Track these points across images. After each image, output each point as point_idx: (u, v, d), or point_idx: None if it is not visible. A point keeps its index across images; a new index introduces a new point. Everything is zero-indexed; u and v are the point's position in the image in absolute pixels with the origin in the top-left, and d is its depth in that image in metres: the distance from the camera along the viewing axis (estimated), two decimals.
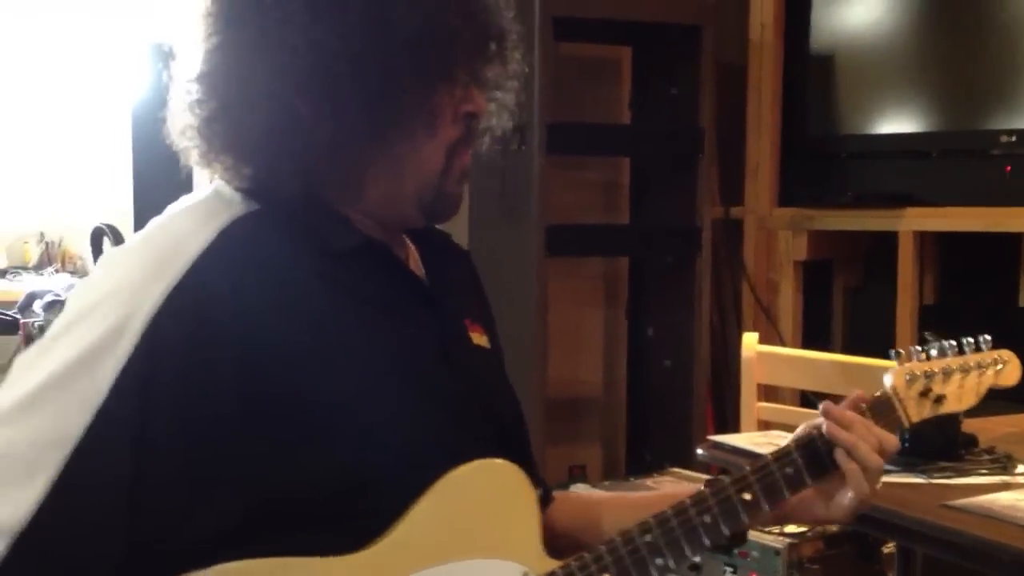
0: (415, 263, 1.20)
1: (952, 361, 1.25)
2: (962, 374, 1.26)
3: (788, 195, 3.39)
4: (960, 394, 1.26)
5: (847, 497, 1.17)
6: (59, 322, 1.04)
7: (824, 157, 3.31)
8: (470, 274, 1.30)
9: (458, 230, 3.08)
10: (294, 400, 1.02)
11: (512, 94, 1.19)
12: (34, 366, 1.00)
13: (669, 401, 3.31)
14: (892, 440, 1.17)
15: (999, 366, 1.28)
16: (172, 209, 1.11)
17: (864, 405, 1.20)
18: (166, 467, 0.99)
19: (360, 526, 1.04)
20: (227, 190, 1.11)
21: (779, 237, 3.37)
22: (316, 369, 1.03)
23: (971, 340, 1.27)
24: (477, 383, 1.17)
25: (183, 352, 1.00)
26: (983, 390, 1.27)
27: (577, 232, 3.18)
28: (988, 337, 1.28)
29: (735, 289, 3.47)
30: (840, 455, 1.16)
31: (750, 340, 2.40)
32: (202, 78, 1.07)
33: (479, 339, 1.22)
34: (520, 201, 2.97)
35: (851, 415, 1.18)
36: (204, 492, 1.00)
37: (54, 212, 3.55)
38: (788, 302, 3.36)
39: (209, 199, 1.11)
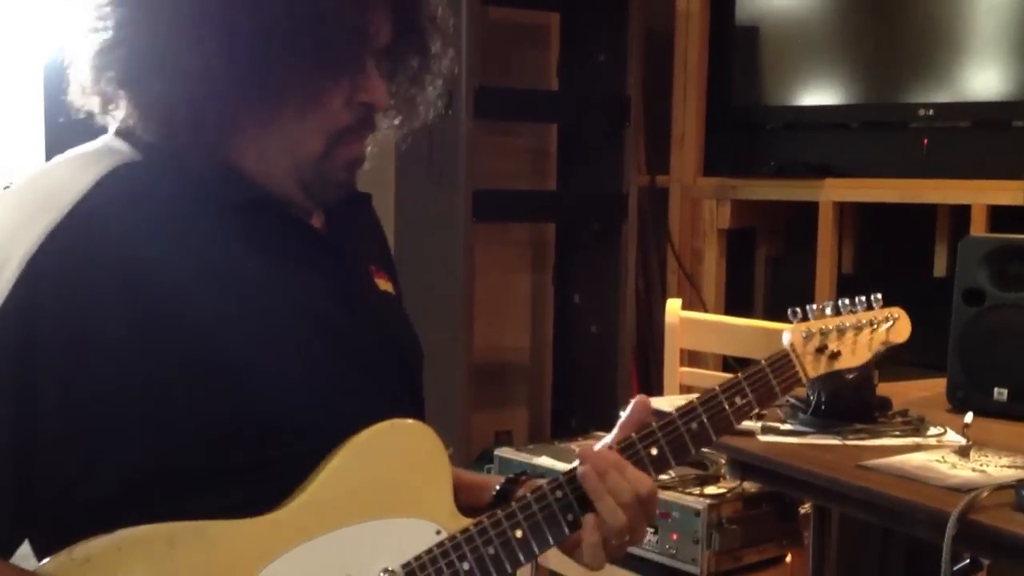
0: (317, 214, 1.18)
1: (846, 319, 1.30)
2: (855, 331, 1.30)
3: (712, 164, 3.42)
4: (854, 350, 1.30)
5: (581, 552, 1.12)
6: None
7: (748, 128, 3.35)
8: (373, 221, 1.29)
9: (385, 194, 3.06)
10: (189, 345, 1.00)
11: (435, 88, 1.18)
12: None
13: (595, 366, 3.34)
14: (646, 484, 1.11)
15: (889, 323, 1.32)
16: (57, 158, 1.08)
17: (635, 435, 1.14)
18: (57, 413, 0.97)
19: (270, 476, 1.03)
20: (117, 142, 1.09)
21: (703, 206, 3.41)
22: (211, 312, 1.01)
23: (863, 299, 1.32)
24: (382, 328, 1.16)
25: (64, 293, 0.97)
26: (876, 346, 1.32)
27: (504, 197, 3.18)
28: (879, 296, 1.33)
29: (660, 256, 3.50)
30: (587, 521, 1.10)
31: (674, 306, 2.43)
32: (102, 6, 1.05)
33: (384, 285, 1.22)
34: (447, 166, 2.96)
35: (607, 461, 1.11)
36: (101, 442, 0.98)
37: None
38: (712, 269, 3.40)
39: (97, 149, 1.09)
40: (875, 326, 1.31)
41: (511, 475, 1.21)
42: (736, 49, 3.36)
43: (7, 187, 1.07)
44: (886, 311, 1.32)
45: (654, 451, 1.15)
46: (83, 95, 1.08)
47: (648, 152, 3.45)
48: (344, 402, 1.07)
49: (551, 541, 1.11)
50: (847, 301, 1.31)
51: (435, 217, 3.00)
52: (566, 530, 1.11)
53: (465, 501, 1.13)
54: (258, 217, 1.08)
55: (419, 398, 1.20)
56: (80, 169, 1.04)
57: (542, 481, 1.15)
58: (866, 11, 3.13)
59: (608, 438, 1.17)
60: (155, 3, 1.04)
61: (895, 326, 1.32)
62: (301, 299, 1.08)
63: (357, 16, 1.05)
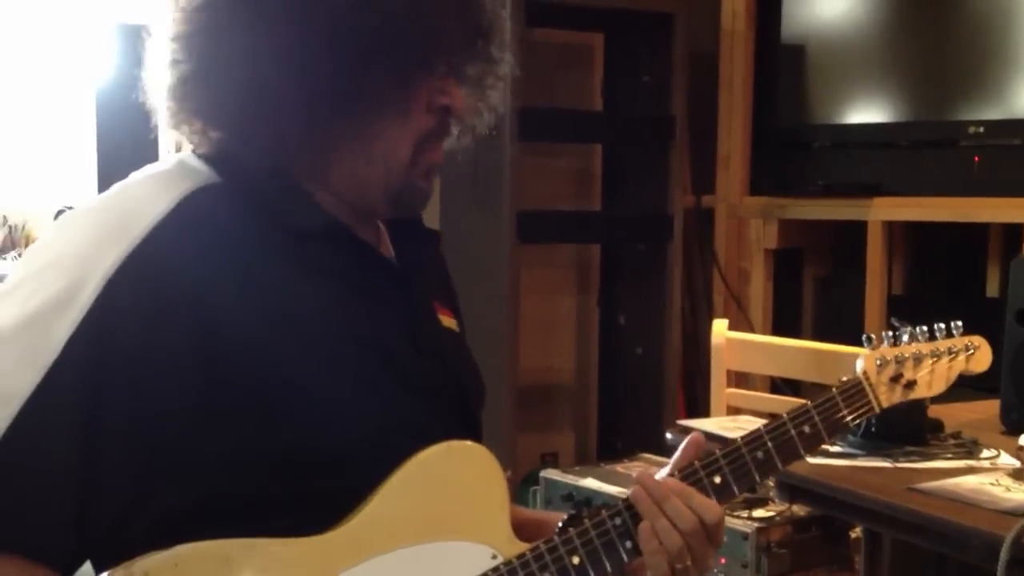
0: (386, 245, 1.19)
1: (923, 347, 1.25)
2: (933, 360, 1.26)
3: (759, 184, 3.40)
4: (930, 380, 1.26)
5: None
6: (10, 280, 1.02)
7: (794, 146, 3.33)
8: (439, 258, 1.29)
9: (430, 216, 3.07)
10: (253, 372, 1.00)
11: (497, 93, 1.17)
12: None
13: (640, 388, 3.32)
14: (713, 511, 1.08)
15: (970, 352, 1.28)
16: (135, 176, 1.09)
17: (697, 463, 1.12)
18: (122, 438, 0.97)
19: (326, 506, 1.03)
20: (193, 160, 1.09)
21: (750, 225, 3.39)
22: (276, 341, 1.02)
23: (942, 326, 1.28)
24: (445, 364, 1.16)
25: (138, 320, 0.98)
26: (953, 376, 1.28)
27: (549, 219, 3.18)
28: (959, 323, 1.29)
29: (706, 277, 3.48)
30: (643, 529, 1.08)
31: (720, 327, 2.41)
32: (180, 38, 1.06)
33: (448, 322, 1.22)
34: (492, 187, 2.97)
35: (666, 487, 1.09)
36: (164, 465, 0.99)
37: (17, 195, 3.50)
38: (758, 290, 3.38)
39: (172, 168, 1.09)
40: (954, 355, 1.27)
41: (573, 512, 1.18)
42: (782, 67, 3.34)
43: (61, 211, 1.09)
44: (965, 339, 1.28)
45: (717, 479, 1.12)
46: (159, 118, 1.10)
47: (693, 172, 3.44)
48: (402, 433, 1.07)
49: (608, 568, 1.09)
50: (925, 328, 1.26)
51: (480, 239, 3.01)
52: (624, 557, 1.09)
53: (528, 538, 1.10)
54: (331, 244, 1.09)
55: (478, 433, 1.20)
56: (158, 191, 1.05)
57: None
58: (914, 27, 3.11)
59: (663, 471, 1.14)
60: (239, 29, 1.04)
61: (975, 355, 1.28)
62: (366, 329, 1.08)
63: (438, 20, 1.07)
